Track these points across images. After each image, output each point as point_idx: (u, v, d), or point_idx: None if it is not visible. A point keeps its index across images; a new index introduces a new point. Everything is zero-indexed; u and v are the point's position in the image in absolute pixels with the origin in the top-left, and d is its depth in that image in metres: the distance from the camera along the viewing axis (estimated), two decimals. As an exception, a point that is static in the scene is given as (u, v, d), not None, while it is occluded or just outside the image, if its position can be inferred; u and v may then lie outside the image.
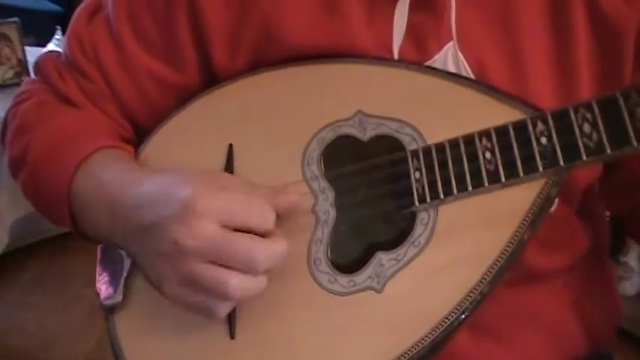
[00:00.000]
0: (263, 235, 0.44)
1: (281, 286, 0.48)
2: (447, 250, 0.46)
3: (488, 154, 0.46)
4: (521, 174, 0.45)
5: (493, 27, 0.52)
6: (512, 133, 0.45)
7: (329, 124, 0.51)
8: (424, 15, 0.52)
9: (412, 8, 0.51)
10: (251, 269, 0.43)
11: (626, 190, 0.60)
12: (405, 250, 0.47)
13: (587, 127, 0.43)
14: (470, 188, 0.46)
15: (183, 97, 0.58)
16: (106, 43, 0.58)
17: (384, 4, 0.52)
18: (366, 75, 0.52)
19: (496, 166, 0.45)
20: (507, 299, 0.52)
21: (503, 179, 0.45)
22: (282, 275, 0.47)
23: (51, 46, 1.88)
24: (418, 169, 0.48)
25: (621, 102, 0.43)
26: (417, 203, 0.47)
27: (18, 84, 1.68)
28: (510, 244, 0.45)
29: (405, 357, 0.45)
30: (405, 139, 0.49)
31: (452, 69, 0.52)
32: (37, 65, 0.62)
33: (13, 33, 1.77)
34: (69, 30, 0.60)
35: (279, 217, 0.47)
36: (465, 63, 0.51)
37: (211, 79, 0.57)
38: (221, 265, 0.43)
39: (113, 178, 0.50)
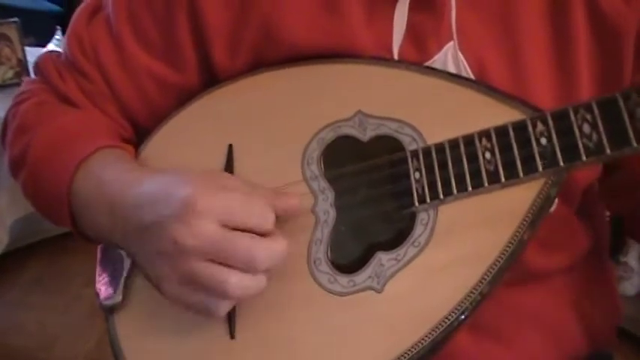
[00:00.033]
0: (262, 235, 0.44)
1: (281, 286, 0.48)
2: (446, 251, 0.46)
3: (488, 155, 0.46)
4: (521, 174, 0.45)
5: (493, 27, 0.52)
6: (511, 133, 0.46)
7: (329, 125, 0.51)
8: (424, 15, 0.52)
9: (412, 8, 0.51)
10: (251, 268, 0.43)
11: (626, 190, 0.60)
12: (405, 250, 0.47)
13: (586, 128, 0.43)
14: (470, 188, 0.46)
15: (183, 98, 0.58)
16: (106, 44, 0.58)
17: (384, 4, 0.52)
18: (366, 75, 0.52)
19: (496, 166, 0.46)
20: (507, 299, 0.52)
21: (503, 179, 0.45)
22: (282, 275, 0.47)
23: (51, 47, 1.89)
24: (418, 169, 0.48)
25: (621, 103, 0.43)
26: (416, 203, 0.47)
27: (18, 84, 1.68)
28: (510, 244, 0.45)
29: (404, 357, 0.45)
30: (405, 140, 0.49)
31: (452, 69, 0.52)
32: (37, 65, 0.62)
33: (13, 33, 1.77)
34: (69, 30, 0.60)
35: (279, 218, 0.47)
36: (465, 63, 0.52)
37: (211, 80, 0.57)
38: (221, 264, 0.43)
39: (114, 178, 0.50)
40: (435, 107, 0.50)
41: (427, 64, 0.52)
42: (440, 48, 0.52)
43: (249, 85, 0.55)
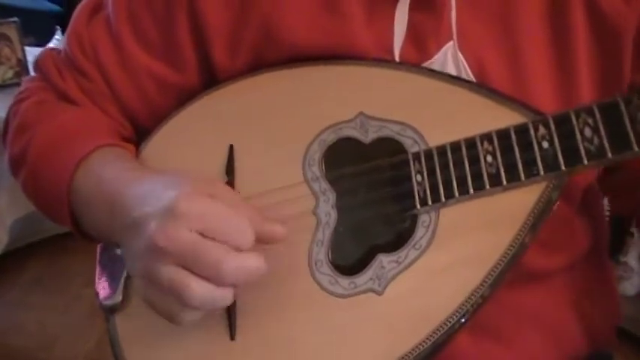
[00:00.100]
0: (238, 249, 0.43)
1: (282, 287, 0.48)
2: (448, 253, 0.46)
3: (489, 158, 0.46)
4: (523, 177, 0.45)
5: (493, 27, 0.52)
6: (513, 136, 0.46)
7: (330, 126, 0.51)
8: (424, 15, 0.52)
9: (412, 8, 0.51)
10: (216, 279, 0.42)
11: (626, 190, 0.60)
12: (406, 253, 0.47)
13: (588, 132, 0.44)
14: (471, 191, 0.46)
15: (183, 98, 0.58)
16: (106, 43, 0.58)
17: (385, 4, 0.52)
18: (367, 77, 0.52)
19: (497, 169, 0.46)
20: (507, 299, 0.52)
21: (504, 182, 0.45)
22: (283, 276, 0.47)
23: (50, 46, 1.89)
24: (420, 171, 0.48)
25: (622, 107, 0.43)
26: (418, 206, 0.47)
27: (18, 84, 1.67)
28: (511, 247, 0.45)
29: (405, 359, 0.45)
30: (407, 142, 0.49)
31: (451, 69, 0.52)
32: (37, 63, 0.62)
33: (12, 33, 1.77)
34: (69, 28, 0.60)
35: (280, 218, 0.47)
36: (465, 63, 0.52)
37: (211, 80, 0.58)
38: (188, 270, 0.42)
39: (114, 177, 0.50)
40: (436, 109, 0.50)
41: (426, 63, 0.52)
42: (439, 48, 0.52)
43: (249, 85, 0.55)
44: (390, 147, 0.49)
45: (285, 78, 0.54)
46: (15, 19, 1.79)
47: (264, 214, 0.47)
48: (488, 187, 0.46)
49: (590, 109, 0.44)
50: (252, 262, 0.42)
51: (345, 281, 0.47)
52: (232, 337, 0.48)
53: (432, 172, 0.47)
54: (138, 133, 0.61)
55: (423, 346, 0.44)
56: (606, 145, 0.43)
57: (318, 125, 0.52)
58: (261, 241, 0.45)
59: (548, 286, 0.58)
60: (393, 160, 0.49)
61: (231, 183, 0.53)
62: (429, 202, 0.47)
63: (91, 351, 1.62)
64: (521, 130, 0.46)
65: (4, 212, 1.64)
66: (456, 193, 0.46)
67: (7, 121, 0.62)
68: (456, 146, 0.47)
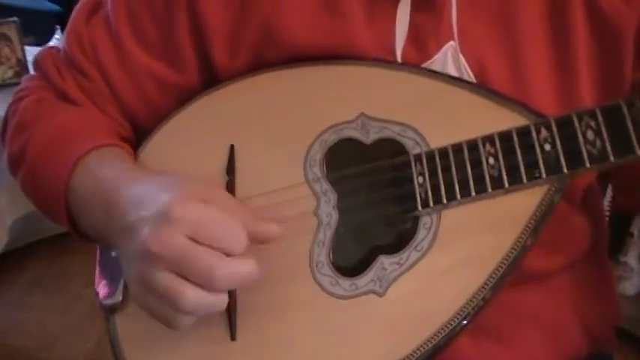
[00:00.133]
0: (231, 255, 0.43)
1: (282, 288, 0.48)
2: (449, 255, 0.46)
3: (491, 160, 0.46)
4: (525, 180, 0.45)
5: (493, 27, 0.52)
6: (515, 139, 0.46)
7: (331, 127, 0.51)
8: (424, 15, 0.52)
9: (412, 8, 0.51)
10: (208, 285, 0.42)
11: (627, 189, 0.60)
12: (408, 254, 0.47)
13: (590, 135, 0.44)
14: (473, 194, 0.46)
15: (183, 98, 0.58)
16: (106, 43, 0.58)
17: (385, 4, 0.52)
18: (368, 77, 0.52)
19: (499, 171, 0.46)
20: (507, 299, 0.52)
21: (506, 185, 0.45)
22: (283, 277, 0.47)
23: (50, 45, 1.88)
24: (421, 173, 0.48)
25: (625, 110, 0.43)
26: (419, 208, 0.47)
27: (18, 83, 1.67)
28: (513, 250, 0.45)
29: None
30: (408, 143, 0.49)
31: (452, 69, 0.52)
32: (37, 61, 0.62)
33: (12, 33, 1.77)
34: (68, 27, 0.60)
35: (281, 219, 0.47)
36: (465, 63, 0.52)
37: (211, 80, 0.57)
38: (181, 277, 0.42)
39: (111, 176, 0.50)
40: (437, 111, 0.50)
41: (427, 63, 0.52)
42: (439, 48, 0.52)
43: (249, 85, 0.55)
44: (391, 148, 0.49)
45: (285, 78, 0.54)
46: (15, 18, 1.79)
47: (261, 214, 0.47)
48: (490, 189, 0.46)
49: (593, 111, 0.44)
50: (244, 268, 0.42)
51: (346, 282, 0.47)
52: (233, 338, 0.48)
53: (433, 174, 0.47)
54: (137, 133, 0.61)
55: (424, 348, 0.44)
56: (609, 148, 0.43)
57: (319, 126, 0.52)
58: (257, 242, 0.45)
59: (548, 286, 0.58)
60: (395, 162, 0.49)
61: (231, 183, 0.53)
62: (431, 204, 0.47)
63: (91, 351, 1.62)
64: (524, 133, 0.45)
65: (3, 212, 1.64)
66: (458, 195, 0.46)
67: (6, 120, 0.62)
68: (457, 148, 0.47)
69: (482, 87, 0.50)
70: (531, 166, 0.45)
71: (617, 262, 1.52)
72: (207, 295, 0.42)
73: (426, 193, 0.47)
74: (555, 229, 0.47)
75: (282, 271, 0.46)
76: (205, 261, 0.41)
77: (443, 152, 0.47)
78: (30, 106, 0.59)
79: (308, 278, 0.48)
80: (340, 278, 0.48)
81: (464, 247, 0.46)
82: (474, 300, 0.44)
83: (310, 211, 0.50)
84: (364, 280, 0.47)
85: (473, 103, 0.49)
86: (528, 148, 0.45)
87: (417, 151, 0.49)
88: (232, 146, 0.53)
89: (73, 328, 1.69)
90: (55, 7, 2.71)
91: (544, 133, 0.45)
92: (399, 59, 0.52)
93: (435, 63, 0.52)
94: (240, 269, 0.42)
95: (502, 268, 0.45)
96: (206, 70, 0.57)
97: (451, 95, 0.50)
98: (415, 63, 0.52)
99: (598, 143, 0.43)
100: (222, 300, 0.43)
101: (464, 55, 0.51)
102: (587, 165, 0.44)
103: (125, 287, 0.52)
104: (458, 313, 0.44)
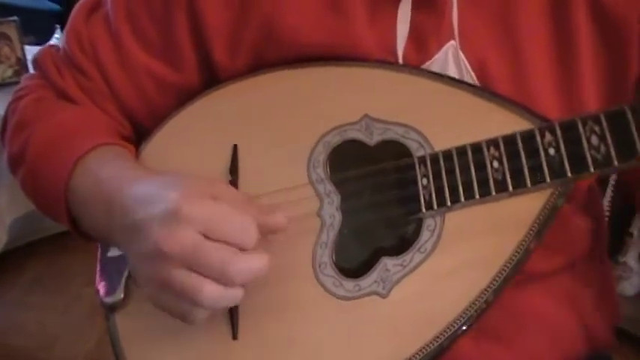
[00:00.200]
0: (243, 249, 0.43)
1: (285, 289, 0.48)
2: (453, 257, 0.46)
3: (495, 163, 0.46)
4: (529, 184, 0.45)
5: (493, 26, 0.52)
6: (520, 142, 0.46)
7: (335, 128, 0.51)
8: (425, 14, 0.52)
9: (413, 7, 0.51)
10: (224, 280, 0.42)
11: (628, 188, 0.60)
12: (411, 256, 0.47)
13: (594, 140, 0.44)
14: (477, 196, 0.46)
15: (183, 97, 0.57)
16: (105, 42, 0.58)
17: (387, 3, 0.52)
18: (370, 79, 0.52)
19: (504, 175, 0.46)
20: (507, 300, 0.52)
21: (510, 188, 0.45)
22: (286, 278, 0.47)
23: (50, 44, 1.88)
24: (425, 175, 0.48)
25: (629, 115, 0.43)
26: (423, 210, 0.47)
27: (17, 83, 1.67)
28: (516, 253, 0.45)
29: None
30: (412, 145, 0.49)
31: (452, 68, 0.52)
32: (36, 60, 0.62)
33: (12, 32, 1.77)
34: (68, 26, 0.60)
35: (272, 233, 0.47)
36: (466, 62, 0.52)
37: (211, 80, 0.57)
38: (197, 273, 0.42)
39: (111, 176, 0.50)
40: (441, 113, 0.50)
41: (427, 63, 0.52)
42: (440, 47, 0.52)
43: (251, 85, 0.55)
44: (394, 150, 0.49)
45: (286, 78, 0.54)
46: (15, 18, 1.79)
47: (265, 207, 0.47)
48: (494, 192, 0.46)
49: (597, 117, 0.44)
50: (258, 262, 0.43)
51: (349, 284, 0.47)
52: (235, 337, 0.48)
53: (437, 176, 0.47)
54: (137, 132, 0.61)
55: (426, 350, 0.44)
56: (613, 153, 0.43)
57: (322, 127, 0.52)
58: (265, 234, 0.45)
59: (548, 287, 0.58)
60: (399, 164, 0.49)
61: (234, 183, 0.52)
62: (435, 206, 0.47)
63: (91, 351, 1.62)
64: (528, 137, 0.46)
65: (3, 211, 1.64)
66: (462, 198, 0.46)
67: (5, 119, 0.61)
68: (462, 151, 0.47)
69: (486, 89, 0.50)
70: (535, 170, 0.45)
71: (617, 263, 1.52)
72: (225, 290, 0.43)
73: (430, 195, 0.47)
74: (556, 229, 0.47)
75: (284, 272, 0.46)
76: (220, 257, 0.42)
77: (447, 155, 0.48)
78: (30, 105, 0.59)
79: (311, 279, 0.48)
80: (343, 279, 0.48)
81: (467, 249, 0.46)
82: (476, 302, 0.45)
83: (313, 212, 0.50)
84: (367, 282, 0.47)
85: (476, 105, 0.49)
86: (533, 152, 0.45)
87: (420, 153, 0.49)
88: (235, 146, 0.53)
89: (73, 328, 1.69)
90: (55, 7, 2.70)
91: (548, 137, 0.45)
92: (400, 59, 0.52)
93: (436, 62, 0.52)
94: (254, 263, 0.43)
95: (505, 271, 0.45)
96: (206, 69, 0.57)
97: (454, 97, 0.50)
98: (416, 62, 0.52)
99: (602, 148, 0.43)
100: (238, 294, 0.44)
101: (465, 54, 0.51)
102: (592, 170, 0.44)
103: (127, 285, 0.52)
104: (461, 315, 0.45)
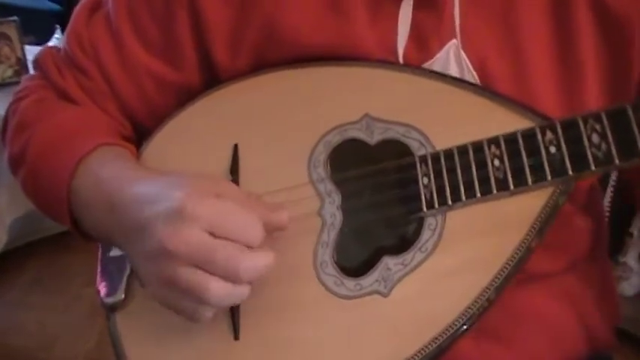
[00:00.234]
0: (249, 247, 0.44)
1: (286, 288, 0.48)
2: (454, 256, 0.46)
3: (497, 162, 0.46)
4: (530, 182, 0.45)
5: (495, 25, 0.52)
6: (521, 141, 0.46)
7: (336, 127, 0.51)
8: (426, 13, 0.52)
9: (415, 7, 0.51)
10: (232, 278, 0.42)
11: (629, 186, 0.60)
12: (412, 255, 0.47)
13: (595, 138, 0.44)
14: (478, 195, 0.46)
15: (183, 97, 0.58)
16: (106, 41, 0.58)
17: (388, 3, 0.52)
18: (371, 78, 0.52)
19: (505, 173, 0.46)
20: (508, 300, 0.52)
21: (511, 187, 0.45)
22: (287, 277, 0.47)
23: (50, 45, 1.88)
24: (426, 174, 0.48)
25: (630, 113, 0.43)
26: (424, 209, 0.47)
27: (17, 83, 1.66)
28: (518, 252, 0.45)
29: None
30: (413, 145, 0.49)
31: (454, 67, 0.52)
32: (37, 61, 0.62)
33: (12, 32, 1.77)
34: (69, 27, 0.60)
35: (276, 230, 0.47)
36: (467, 61, 0.52)
37: (212, 79, 0.57)
38: (203, 271, 0.42)
39: (112, 176, 0.50)
40: (442, 112, 0.50)
41: (429, 62, 0.52)
42: (442, 46, 0.52)
43: (252, 85, 0.55)
44: (395, 149, 0.49)
45: (288, 78, 0.54)
46: (15, 18, 1.79)
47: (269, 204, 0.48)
48: (495, 191, 0.46)
49: (598, 115, 0.44)
50: (265, 259, 0.43)
51: (350, 283, 0.47)
52: (236, 337, 0.48)
53: (438, 175, 0.47)
54: (138, 132, 0.61)
55: (427, 350, 0.45)
56: (614, 151, 0.43)
57: (323, 126, 0.52)
58: (270, 232, 0.46)
59: (549, 287, 0.58)
60: (400, 163, 0.49)
61: (235, 182, 0.52)
62: (436, 205, 0.47)
63: (91, 351, 1.62)
64: (529, 135, 0.46)
65: (3, 211, 1.64)
66: (463, 197, 0.46)
67: (6, 120, 0.62)
68: (463, 150, 0.47)
69: (487, 89, 0.50)
70: (536, 168, 0.45)
71: (617, 263, 1.52)
72: (232, 287, 0.43)
73: (431, 194, 0.47)
74: (557, 229, 0.47)
75: (286, 271, 0.46)
76: (227, 254, 0.42)
77: (448, 154, 0.48)
78: (30, 106, 0.59)
79: (312, 278, 0.48)
80: (345, 278, 0.48)
81: (468, 248, 0.46)
82: (478, 301, 0.45)
83: (314, 211, 0.50)
84: (369, 281, 0.47)
85: (477, 104, 0.49)
86: (533, 151, 0.45)
87: (422, 152, 0.49)
88: (236, 146, 0.53)
89: (73, 327, 1.69)
90: (55, 7, 2.70)
91: (549, 135, 0.45)
92: (400, 58, 0.52)
93: (438, 61, 0.52)
94: (261, 261, 0.43)
95: (507, 269, 0.45)
96: (206, 69, 0.57)
97: (455, 96, 0.50)
98: (417, 62, 0.52)
99: (603, 146, 0.43)
100: (245, 291, 0.44)
101: (466, 54, 0.51)
102: (593, 168, 0.44)
103: (128, 285, 0.52)
104: (462, 314, 0.45)
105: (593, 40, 0.51)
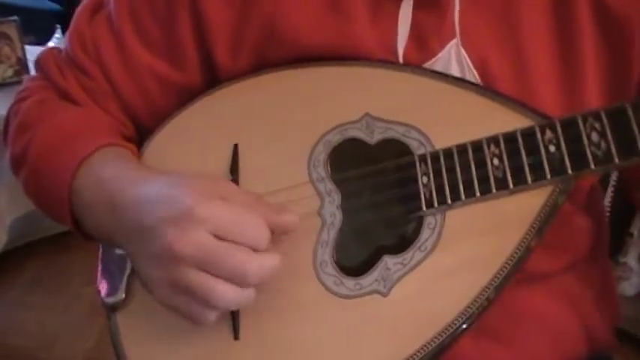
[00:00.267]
0: (255, 249, 0.44)
1: (286, 288, 0.48)
2: (453, 255, 0.46)
3: (496, 161, 0.46)
4: (529, 181, 0.45)
5: (495, 24, 0.52)
6: (520, 140, 0.46)
7: (336, 127, 0.51)
8: (426, 13, 0.52)
9: (415, 7, 0.51)
10: (240, 281, 0.43)
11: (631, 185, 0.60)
12: (412, 255, 0.47)
13: (595, 137, 0.44)
14: (477, 194, 0.46)
15: (185, 97, 0.58)
16: (108, 41, 0.58)
17: (389, 3, 0.52)
18: (371, 78, 0.52)
19: (504, 172, 0.46)
20: (507, 299, 0.52)
21: (511, 186, 0.45)
22: (287, 277, 0.47)
23: (51, 45, 1.88)
24: (426, 174, 0.48)
25: (630, 112, 0.43)
26: (424, 208, 0.47)
27: (18, 82, 1.68)
28: (517, 251, 0.45)
29: None
30: (413, 144, 0.49)
31: (455, 67, 0.52)
32: (38, 61, 0.62)
33: (12, 32, 1.77)
34: (71, 27, 0.60)
35: (282, 233, 0.47)
36: (468, 61, 0.52)
37: (213, 79, 0.57)
38: (210, 274, 0.43)
39: (113, 176, 0.50)
40: (442, 112, 0.50)
41: (430, 62, 0.52)
42: (442, 46, 0.52)
43: (253, 85, 0.55)
44: (395, 148, 0.49)
45: (288, 78, 0.54)
46: (15, 17, 1.79)
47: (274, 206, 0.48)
48: (494, 190, 0.46)
49: (598, 113, 0.44)
50: (272, 262, 0.44)
51: (350, 282, 0.47)
52: (236, 337, 0.48)
53: (438, 174, 0.47)
54: (139, 132, 0.61)
55: (427, 349, 0.44)
56: (613, 150, 0.43)
57: (323, 126, 0.52)
58: (277, 234, 0.46)
59: (549, 287, 0.58)
60: (399, 162, 0.49)
61: (235, 182, 0.52)
62: (435, 204, 0.47)
63: (90, 350, 1.62)
64: (528, 134, 0.46)
65: (3, 211, 1.64)
66: (463, 196, 0.46)
67: (7, 120, 0.62)
68: (462, 149, 0.47)
69: (487, 88, 0.50)
70: (536, 167, 0.45)
71: (617, 263, 1.52)
72: (240, 290, 0.43)
73: (431, 193, 0.47)
74: (558, 229, 0.47)
75: (285, 271, 0.46)
76: (235, 257, 0.42)
77: (447, 153, 0.48)
78: (32, 107, 0.59)
79: (312, 278, 0.48)
80: (344, 278, 0.48)
81: (468, 247, 0.46)
82: (477, 300, 0.45)
83: (314, 211, 0.50)
84: (368, 280, 0.47)
85: (477, 104, 0.49)
86: (533, 150, 0.45)
87: (421, 151, 0.49)
88: (236, 145, 0.53)
89: (72, 327, 1.69)
90: (56, 6, 2.71)
91: (549, 134, 0.45)
92: (400, 58, 0.52)
93: (439, 61, 0.52)
94: (268, 263, 0.43)
95: (506, 268, 0.45)
96: (208, 69, 0.57)
97: (455, 96, 0.50)
98: (417, 62, 0.52)
99: (603, 145, 0.43)
100: (252, 294, 0.44)
101: (467, 53, 0.51)
102: (592, 167, 0.44)
103: (128, 285, 0.52)
104: (462, 314, 0.45)
105: (594, 39, 0.51)
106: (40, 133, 0.56)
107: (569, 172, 0.44)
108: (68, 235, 0.57)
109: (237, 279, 0.42)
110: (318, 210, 0.50)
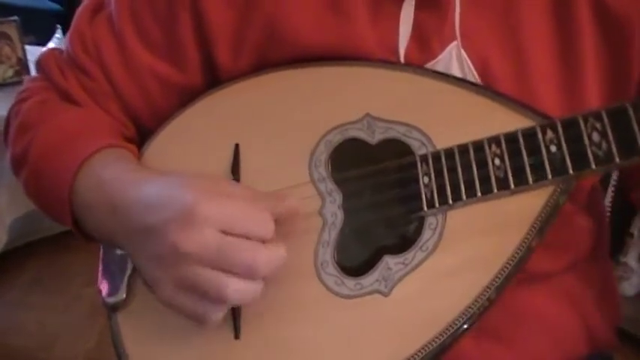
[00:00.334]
0: (262, 241, 0.44)
1: (287, 288, 0.48)
2: (454, 255, 0.46)
3: (497, 161, 0.46)
4: (531, 181, 0.45)
5: (496, 25, 0.52)
6: (521, 140, 0.46)
7: (336, 127, 0.52)
8: (427, 14, 0.52)
9: (416, 8, 0.51)
10: (251, 274, 0.43)
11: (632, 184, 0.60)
12: (413, 255, 0.47)
13: (596, 137, 0.44)
14: (479, 194, 0.46)
15: (186, 97, 0.58)
16: (109, 42, 0.58)
17: (390, 3, 0.52)
18: (372, 78, 0.52)
19: (505, 172, 0.46)
20: (508, 299, 0.52)
21: (512, 186, 0.45)
22: (288, 277, 0.47)
23: (51, 45, 1.88)
24: (427, 174, 0.48)
25: (631, 112, 0.43)
26: (425, 208, 0.47)
27: (18, 83, 1.68)
28: (518, 251, 0.45)
29: None
30: (414, 144, 0.49)
31: (456, 68, 0.52)
32: (39, 63, 0.62)
33: (13, 32, 1.77)
34: (71, 27, 0.60)
35: (285, 220, 0.47)
36: (469, 61, 0.52)
37: (214, 80, 0.58)
38: (219, 270, 0.43)
39: (114, 177, 0.50)
40: (443, 112, 0.50)
41: (431, 63, 0.52)
42: (443, 47, 0.52)
43: (253, 85, 0.55)
44: (396, 148, 0.49)
45: (289, 78, 0.54)
46: (15, 17, 1.79)
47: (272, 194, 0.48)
48: (495, 190, 0.46)
49: (599, 113, 0.44)
50: (280, 252, 0.44)
51: (351, 282, 0.47)
52: (237, 337, 0.48)
53: (439, 174, 0.47)
54: (140, 133, 0.61)
55: (428, 349, 0.44)
56: (614, 150, 0.43)
57: (324, 126, 0.52)
58: (280, 221, 0.46)
59: (550, 287, 0.58)
60: (400, 162, 0.49)
61: (236, 182, 0.52)
62: (436, 205, 0.47)
63: (91, 350, 1.62)
64: (529, 134, 0.46)
65: (3, 211, 1.64)
66: (464, 196, 0.46)
67: (8, 121, 0.62)
68: (463, 149, 0.47)
69: (488, 88, 0.50)
70: (537, 167, 0.45)
71: (617, 263, 1.52)
72: (250, 284, 0.43)
73: (432, 193, 0.47)
74: (559, 229, 0.47)
75: (286, 271, 0.46)
76: (245, 251, 0.43)
77: (449, 153, 0.48)
78: (33, 107, 0.59)
79: (313, 278, 0.48)
80: (345, 278, 0.48)
81: (469, 247, 0.46)
82: (478, 300, 0.45)
83: (315, 210, 0.50)
84: (369, 280, 0.47)
85: (478, 104, 0.49)
86: (534, 150, 0.45)
87: (422, 151, 0.49)
88: (237, 145, 0.53)
89: (73, 327, 1.69)
90: (56, 7, 2.71)
91: (550, 134, 0.45)
92: (401, 59, 0.52)
93: (440, 62, 0.52)
94: (276, 254, 0.44)
95: (507, 268, 0.45)
96: (209, 70, 0.57)
97: (456, 96, 0.50)
98: (418, 62, 0.52)
99: (604, 145, 0.43)
100: (260, 286, 0.44)
101: (467, 54, 0.52)
102: (593, 166, 0.44)
103: (129, 285, 0.52)
104: (463, 314, 0.45)
105: (594, 39, 0.51)
106: (40, 133, 0.56)
107: (571, 172, 0.44)
108: (68, 235, 0.57)
109: (247, 272, 0.43)
110: (319, 210, 0.50)
